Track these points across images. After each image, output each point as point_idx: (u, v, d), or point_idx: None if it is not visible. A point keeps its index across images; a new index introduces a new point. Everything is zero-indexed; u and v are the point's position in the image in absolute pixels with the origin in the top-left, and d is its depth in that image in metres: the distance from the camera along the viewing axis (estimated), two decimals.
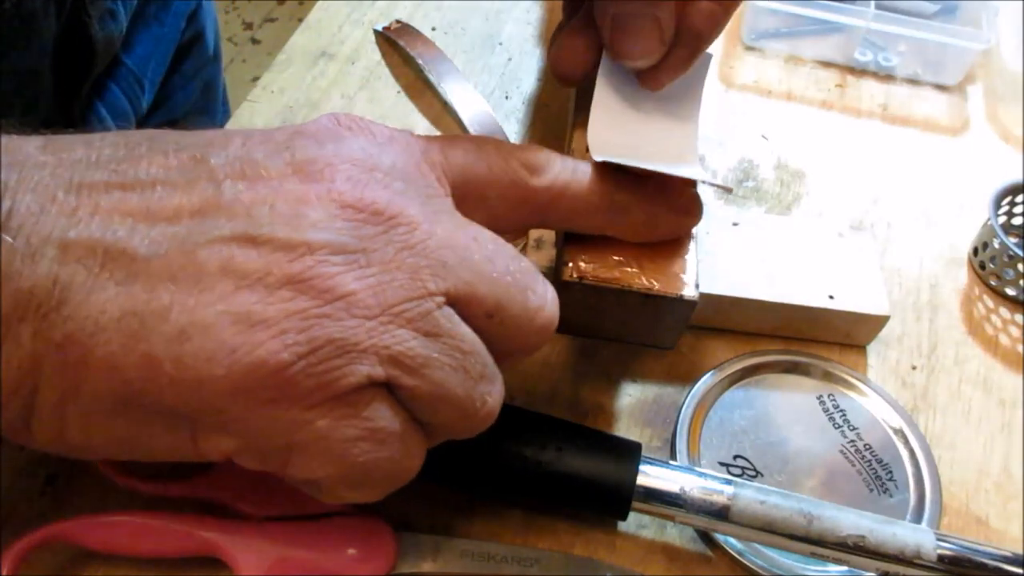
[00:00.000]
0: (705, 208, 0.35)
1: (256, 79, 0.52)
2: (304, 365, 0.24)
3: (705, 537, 0.35)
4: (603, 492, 0.33)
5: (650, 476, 0.33)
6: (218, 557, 0.31)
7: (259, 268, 0.24)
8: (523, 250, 0.43)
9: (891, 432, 0.39)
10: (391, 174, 0.27)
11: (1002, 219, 0.48)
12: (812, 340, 0.42)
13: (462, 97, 0.49)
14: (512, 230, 0.33)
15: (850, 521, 0.32)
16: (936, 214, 0.50)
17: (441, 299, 0.26)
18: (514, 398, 0.39)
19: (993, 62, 0.57)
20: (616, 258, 0.34)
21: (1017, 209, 0.48)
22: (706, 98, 0.38)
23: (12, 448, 0.35)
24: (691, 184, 0.35)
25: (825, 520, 0.32)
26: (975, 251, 0.47)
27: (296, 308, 0.24)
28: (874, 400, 0.40)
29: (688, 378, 0.40)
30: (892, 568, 0.32)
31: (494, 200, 0.31)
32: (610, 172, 0.33)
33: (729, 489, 0.33)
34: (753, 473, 0.37)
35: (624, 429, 0.39)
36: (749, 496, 0.32)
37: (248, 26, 1.97)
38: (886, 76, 0.57)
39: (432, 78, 0.50)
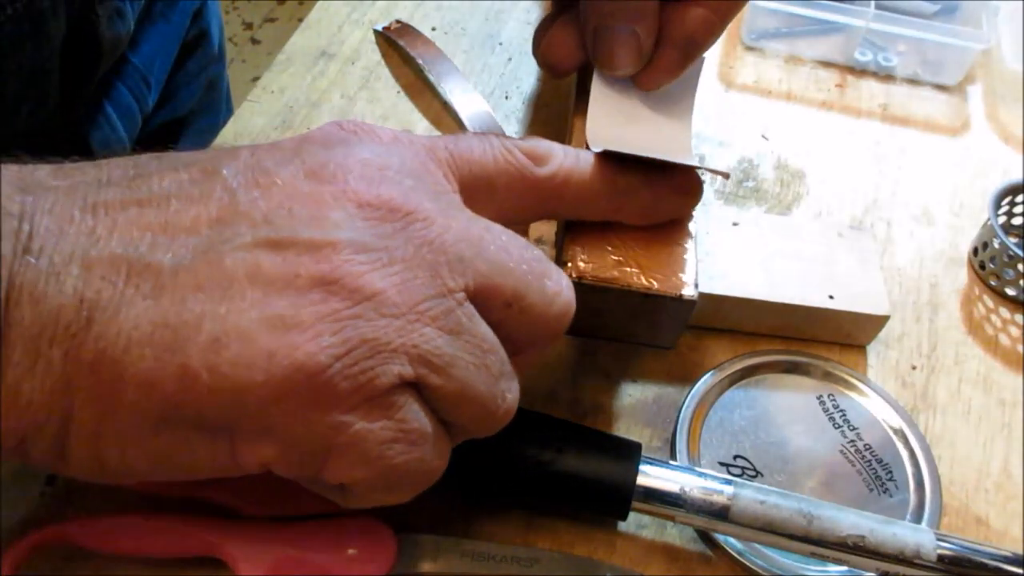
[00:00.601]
0: (705, 208, 0.35)
1: (256, 79, 0.52)
2: (340, 367, 0.24)
3: (705, 537, 0.35)
4: (603, 492, 0.33)
5: (650, 476, 0.33)
6: (218, 557, 0.31)
7: (287, 272, 0.24)
8: None
9: (891, 432, 0.39)
10: (401, 172, 0.27)
11: (1002, 219, 0.48)
12: (812, 340, 0.42)
13: (462, 97, 0.49)
14: (520, 222, 0.33)
15: (850, 521, 0.32)
16: (936, 214, 0.50)
17: (461, 295, 0.26)
18: None
19: (993, 62, 0.57)
20: (615, 258, 0.34)
21: (1017, 209, 0.48)
22: (706, 98, 0.39)
23: None
24: (681, 170, 0.35)
25: (825, 520, 0.32)
26: (975, 251, 0.47)
27: (328, 310, 0.24)
28: (874, 400, 0.40)
29: (688, 378, 0.40)
30: (892, 568, 0.32)
31: (502, 193, 0.31)
32: (611, 159, 0.33)
33: (729, 489, 0.33)
34: (753, 473, 0.37)
35: (624, 429, 0.39)
36: (749, 496, 0.32)
37: (248, 26, 1.97)
38: (886, 76, 0.57)
39: (432, 78, 0.50)
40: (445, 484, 0.35)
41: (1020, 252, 0.44)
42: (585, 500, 0.34)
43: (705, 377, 0.39)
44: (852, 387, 0.40)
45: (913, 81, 0.57)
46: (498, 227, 0.28)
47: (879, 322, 0.41)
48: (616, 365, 0.40)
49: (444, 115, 0.50)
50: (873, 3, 0.55)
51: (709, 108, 0.53)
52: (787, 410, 0.39)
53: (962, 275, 0.47)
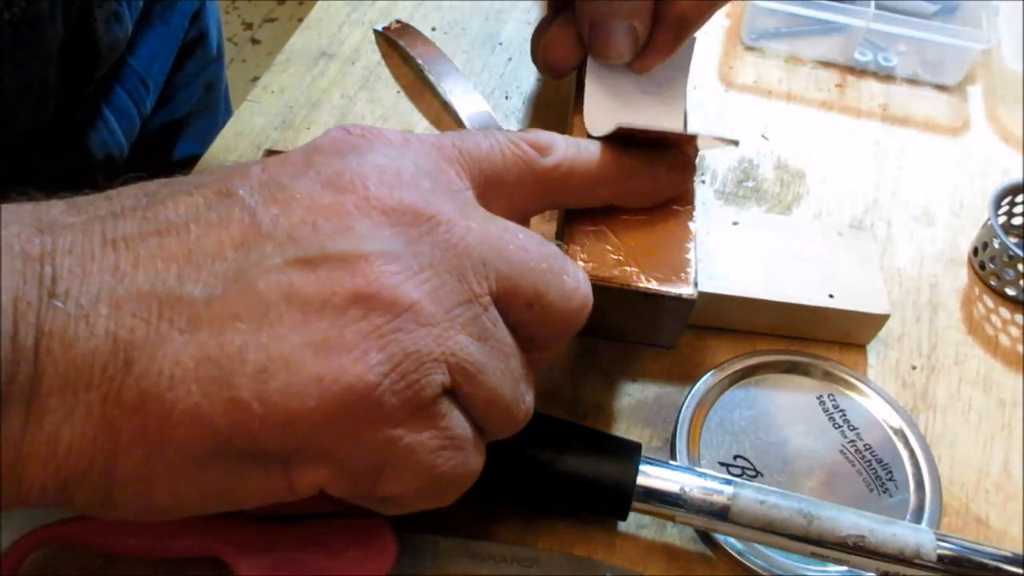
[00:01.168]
0: (705, 208, 0.36)
1: (256, 79, 0.52)
2: (389, 383, 0.24)
3: (705, 537, 0.35)
4: (603, 492, 0.33)
5: (650, 476, 0.33)
6: (218, 557, 0.31)
7: (323, 290, 0.24)
8: None
9: (891, 432, 0.39)
10: (417, 175, 0.27)
11: (1002, 219, 0.48)
12: (812, 339, 0.42)
13: (462, 97, 0.49)
14: (527, 216, 0.33)
15: (850, 521, 0.32)
16: (936, 214, 0.50)
17: (487, 299, 0.26)
18: None
19: (993, 62, 0.57)
20: (615, 258, 0.34)
21: (1017, 209, 0.48)
22: (706, 98, 0.39)
23: None
24: (686, 141, 0.36)
25: (825, 520, 0.32)
26: (975, 251, 0.47)
27: (371, 327, 0.24)
28: (874, 400, 0.40)
29: (688, 378, 0.40)
30: (892, 568, 0.32)
31: (511, 187, 0.31)
32: (611, 143, 0.34)
33: (729, 489, 0.33)
34: (753, 473, 0.37)
35: (624, 429, 0.39)
36: (749, 496, 0.32)
37: (248, 26, 1.97)
38: (886, 76, 0.57)
39: (432, 78, 0.50)
40: None
41: (1020, 252, 0.44)
42: (585, 500, 0.34)
43: (705, 377, 0.39)
44: (852, 387, 0.40)
45: (913, 81, 0.57)
46: (513, 225, 0.28)
47: (879, 321, 0.41)
48: (616, 365, 0.40)
49: (444, 115, 0.50)
50: (873, 3, 0.55)
51: (709, 108, 0.53)
52: (787, 410, 0.39)
53: (962, 275, 0.47)
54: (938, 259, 0.47)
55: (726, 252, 0.42)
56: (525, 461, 0.33)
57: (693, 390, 0.39)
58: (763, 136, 0.52)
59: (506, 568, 0.33)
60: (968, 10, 0.57)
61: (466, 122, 0.48)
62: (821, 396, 0.40)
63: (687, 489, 0.33)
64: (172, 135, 0.64)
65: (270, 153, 0.36)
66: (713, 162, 0.50)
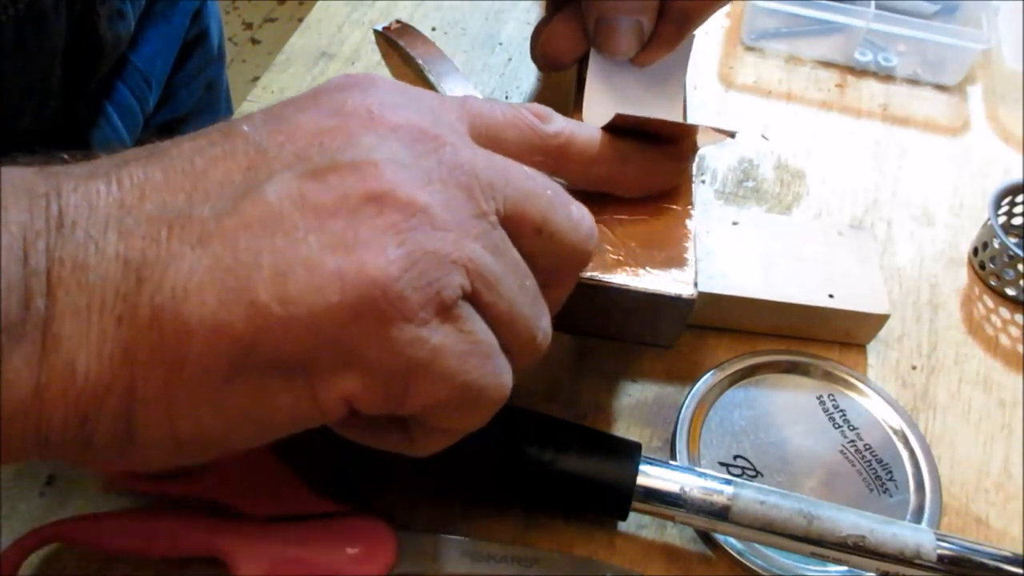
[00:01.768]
0: (705, 208, 0.36)
1: (256, 79, 0.52)
2: (410, 278, 0.23)
3: (705, 537, 0.35)
4: (603, 492, 0.33)
5: (650, 476, 0.33)
6: (218, 557, 0.31)
7: (335, 196, 0.23)
8: None
9: (891, 432, 0.39)
10: (420, 109, 0.27)
11: (1002, 219, 0.48)
12: (812, 339, 0.42)
13: None
14: None
15: (850, 521, 0.32)
16: (936, 214, 0.50)
17: (495, 219, 0.26)
18: (513, 398, 0.39)
19: (993, 62, 0.57)
20: (615, 257, 0.34)
21: (1017, 209, 0.48)
22: (706, 98, 0.39)
23: None
24: (683, 131, 0.36)
25: (825, 520, 0.32)
26: (975, 251, 0.47)
27: (387, 223, 0.23)
28: (874, 400, 0.40)
29: (688, 378, 0.40)
30: (892, 568, 0.32)
31: (510, 147, 0.31)
32: (609, 129, 0.34)
33: (729, 489, 0.33)
34: (753, 473, 0.37)
35: (624, 429, 0.39)
36: (749, 496, 0.32)
37: (248, 26, 1.97)
38: (886, 76, 0.57)
39: (432, 78, 0.50)
40: (445, 484, 0.35)
41: (1020, 252, 0.44)
42: (585, 500, 0.34)
43: (705, 377, 0.39)
44: (852, 387, 0.40)
45: (913, 81, 0.57)
46: (515, 161, 0.28)
47: (879, 321, 0.41)
48: (616, 365, 0.40)
49: None
50: (873, 3, 0.55)
51: (709, 108, 0.53)
52: (787, 410, 0.39)
53: (962, 275, 0.47)
54: (938, 259, 0.47)
55: (726, 252, 0.42)
56: (525, 461, 0.33)
57: (693, 390, 0.39)
58: (763, 136, 0.52)
59: (506, 568, 0.33)
60: (968, 10, 0.57)
61: None
62: (821, 396, 0.40)
63: (687, 489, 0.33)
64: (173, 133, 0.64)
65: None
66: (713, 162, 0.50)
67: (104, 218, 0.22)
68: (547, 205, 0.27)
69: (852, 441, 0.38)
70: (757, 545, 0.35)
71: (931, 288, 0.46)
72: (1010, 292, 0.45)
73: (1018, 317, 0.45)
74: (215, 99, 0.69)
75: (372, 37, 0.54)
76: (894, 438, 0.39)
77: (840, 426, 0.39)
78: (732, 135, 0.36)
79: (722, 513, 0.32)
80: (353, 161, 0.24)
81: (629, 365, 0.41)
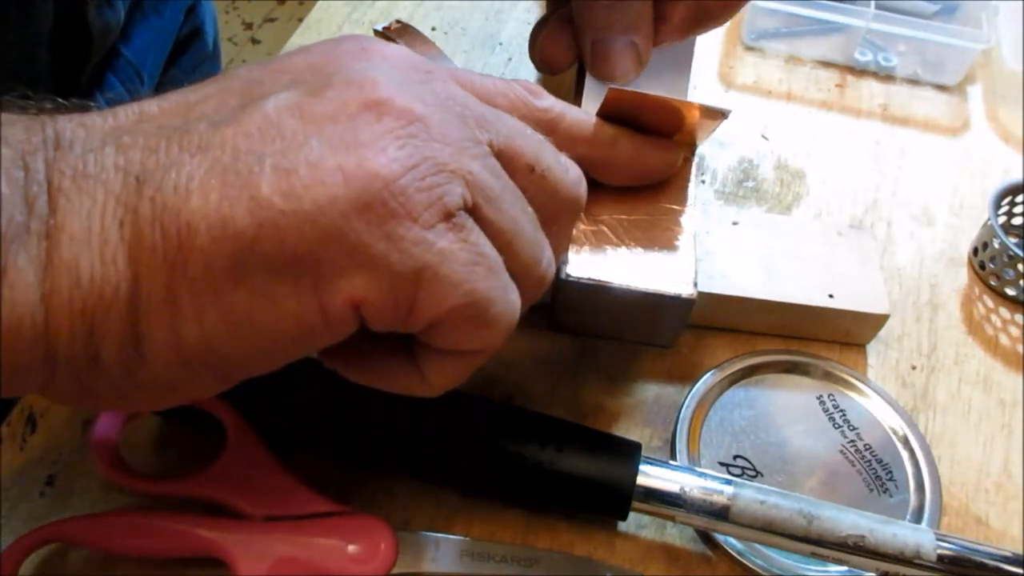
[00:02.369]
0: (705, 208, 0.36)
1: None
2: (412, 177, 0.23)
3: (705, 537, 0.35)
4: (603, 492, 0.33)
5: (650, 476, 0.33)
6: (218, 557, 0.31)
7: (333, 106, 0.24)
8: None
9: (891, 432, 0.39)
10: (413, 54, 0.28)
11: (1002, 219, 0.48)
12: (812, 339, 0.42)
13: None
14: None
15: (850, 521, 0.32)
16: (936, 214, 0.50)
17: (488, 148, 0.26)
18: (514, 398, 0.39)
19: (993, 62, 0.57)
20: (615, 257, 0.34)
21: (1017, 209, 0.48)
22: (706, 98, 0.39)
23: (12, 448, 0.35)
24: (676, 109, 0.35)
25: (825, 520, 0.32)
26: (975, 251, 0.47)
27: (385, 128, 0.23)
28: (874, 400, 0.40)
29: (688, 378, 0.40)
30: (892, 568, 0.32)
31: None
32: (604, 115, 0.34)
33: (729, 489, 0.33)
34: (753, 473, 0.37)
35: (624, 429, 0.39)
36: (749, 496, 0.32)
37: (248, 26, 1.97)
38: (886, 76, 0.57)
39: None
40: (445, 483, 0.35)
41: (1020, 252, 0.44)
42: (585, 500, 0.34)
43: (705, 377, 0.39)
44: (852, 387, 0.40)
45: (913, 81, 0.57)
46: None
47: (879, 321, 0.41)
48: (616, 365, 0.40)
49: None
50: (873, 3, 0.55)
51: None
52: (787, 410, 0.39)
53: (962, 275, 0.47)
54: (938, 259, 0.47)
55: (726, 252, 0.42)
56: (525, 461, 0.33)
57: (693, 390, 0.39)
58: (763, 136, 0.52)
59: (506, 568, 0.33)
60: (968, 10, 0.57)
61: None
62: (821, 396, 0.40)
63: (687, 489, 0.33)
64: None
65: None
66: (713, 162, 0.50)
67: (101, 137, 0.23)
68: (539, 147, 0.28)
69: (852, 441, 0.38)
70: (757, 545, 0.35)
71: (931, 288, 0.46)
72: (1010, 292, 0.45)
73: (1018, 317, 0.45)
74: None
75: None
76: (894, 438, 0.39)
77: (840, 426, 0.39)
78: (725, 114, 0.35)
79: (722, 513, 0.32)
80: (350, 77, 0.24)
81: (629, 365, 0.41)
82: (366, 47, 0.27)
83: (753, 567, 0.34)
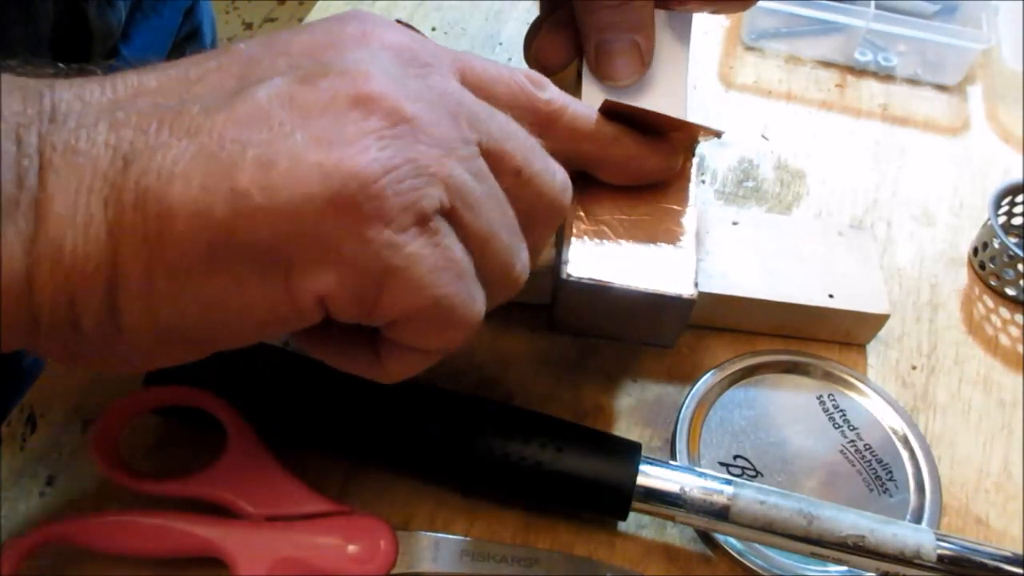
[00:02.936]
0: (705, 208, 0.35)
1: None
2: (389, 180, 0.23)
3: (705, 537, 0.35)
4: (603, 492, 0.33)
5: (650, 476, 0.33)
6: (218, 557, 0.31)
7: (324, 97, 0.24)
8: None
9: (891, 432, 0.39)
10: (415, 38, 0.28)
11: (1002, 219, 0.48)
12: (812, 339, 0.42)
13: None
14: None
15: (850, 521, 0.32)
16: (936, 214, 0.50)
17: (477, 149, 0.26)
18: (514, 398, 0.39)
19: (993, 62, 0.57)
20: (615, 257, 0.34)
21: (1017, 209, 0.48)
22: (706, 98, 0.39)
23: (12, 448, 0.35)
24: (671, 125, 0.36)
25: (825, 520, 0.32)
26: (975, 251, 0.47)
27: (371, 127, 0.24)
28: (874, 400, 0.40)
29: (688, 378, 0.40)
30: (892, 568, 0.32)
31: (498, 103, 0.30)
32: (603, 114, 0.34)
33: (729, 489, 0.33)
34: (753, 473, 0.37)
35: (624, 429, 0.39)
36: (749, 496, 0.32)
37: (248, 26, 1.97)
38: (886, 76, 0.57)
39: None
40: (445, 483, 0.35)
41: (1020, 252, 0.44)
42: (585, 500, 0.34)
43: (705, 377, 0.39)
44: (852, 387, 0.40)
45: (913, 81, 0.57)
46: None
47: (879, 321, 0.41)
48: (616, 365, 0.40)
49: None
50: (873, 3, 0.55)
51: (709, 108, 0.53)
52: (787, 410, 0.39)
53: (962, 275, 0.47)
54: (938, 259, 0.47)
55: (726, 252, 0.42)
56: (525, 461, 0.33)
57: (693, 390, 0.39)
58: (763, 136, 0.52)
59: (506, 568, 0.33)
60: (968, 10, 0.57)
61: None
62: (821, 396, 0.40)
63: (687, 489, 0.33)
64: None
65: None
66: (713, 162, 0.50)
67: (96, 112, 0.23)
68: (528, 151, 0.28)
69: (852, 441, 0.38)
70: (757, 545, 0.35)
71: (931, 288, 0.46)
72: (1010, 292, 0.45)
73: (1018, 317, 0.45)
74: None
75: None
76: (894, 438, 0.39)
77: (840, 426, 0.39)
78: (719, 134, 0.35)
79: (722, 513, 0.32)
80: (345, 68, 0.25)
81: (629, 365, 0.41)
82: (368, 31, 0.27)
83: (753, 567, 0.34)
